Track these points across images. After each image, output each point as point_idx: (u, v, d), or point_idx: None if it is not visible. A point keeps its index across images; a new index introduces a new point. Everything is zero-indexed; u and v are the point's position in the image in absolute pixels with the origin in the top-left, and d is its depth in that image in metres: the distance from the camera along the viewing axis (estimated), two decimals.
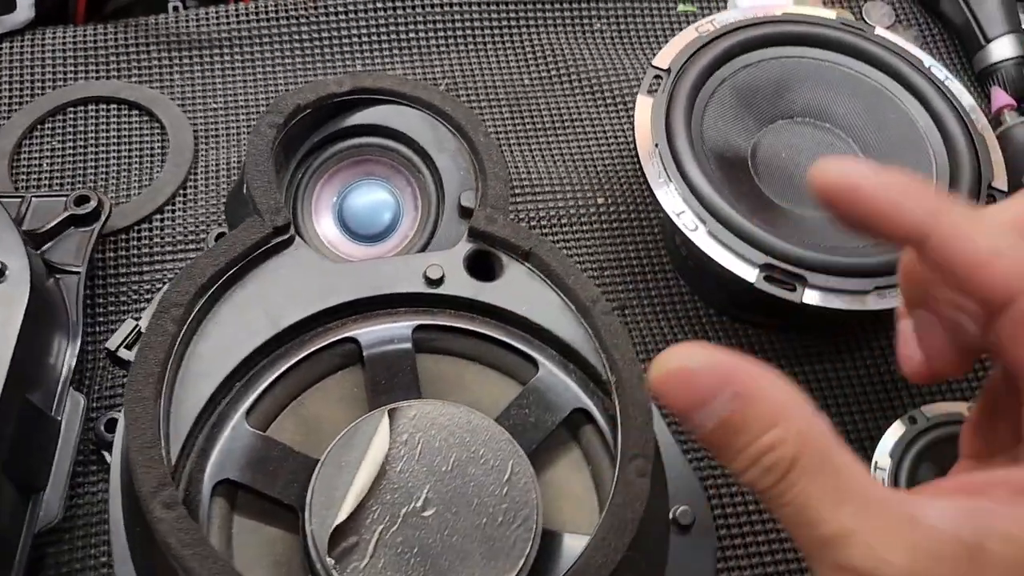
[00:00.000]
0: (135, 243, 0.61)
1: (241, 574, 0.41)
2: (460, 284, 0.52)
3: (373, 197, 0.59)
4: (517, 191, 0.67)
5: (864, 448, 0.59)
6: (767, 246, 0.52)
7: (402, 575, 0.43)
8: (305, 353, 0.50)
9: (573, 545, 0.47)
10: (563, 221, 0.65)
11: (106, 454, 0.53)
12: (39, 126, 0.65)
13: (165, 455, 0.44)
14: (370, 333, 0.51)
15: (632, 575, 0.45)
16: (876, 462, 0.52)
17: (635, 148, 0.58)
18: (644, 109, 0.59)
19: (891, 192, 0.31)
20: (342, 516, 0.43)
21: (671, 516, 0.48)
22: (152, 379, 0.45)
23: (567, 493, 0.50)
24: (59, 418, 0.50)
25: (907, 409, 0.56)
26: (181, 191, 0.63)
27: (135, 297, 0.59)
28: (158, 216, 0.62)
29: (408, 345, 0.51)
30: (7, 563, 0.47)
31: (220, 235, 0.58)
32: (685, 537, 0.47)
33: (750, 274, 0.51)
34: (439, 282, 0.52)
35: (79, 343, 0.52)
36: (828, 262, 0.52)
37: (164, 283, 0.59)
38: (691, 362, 0.28)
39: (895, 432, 0.53)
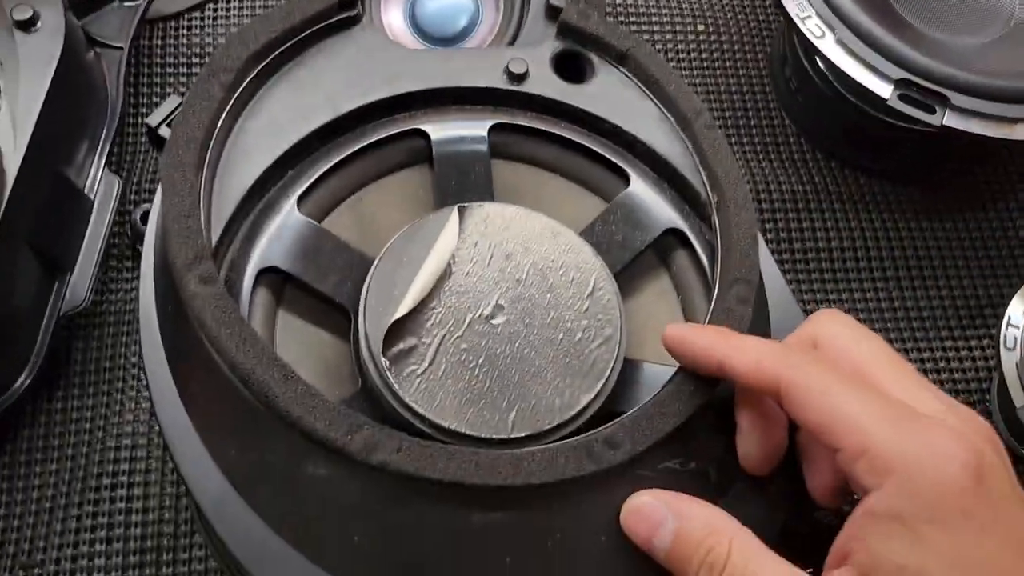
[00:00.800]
0: (184, 32, 0.55)
1: (283, 361, 0.36)
2: (545, 83, 0.46)
3: None
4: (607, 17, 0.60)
5: (983, 317, 0.53)
6: (904, 60, 0.45)
7: (465, 384, 0.38)
8: (367, 142, 0.44)
9: (658, 375, 0.41)
10: (658, 47, 0.58)
11: (141, 248, 0.48)
12: None
13: (205, 231, 0.39)
14: (441, 128, 0.45)
15: (722, 413, 0.39)
16: (1009, 318, 0.45)
17: None
18: None
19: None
20: (400, 312, 0.38)
21: None
22: (194, 144, 0.39)
23: (653, 323, 0.44)
24: (92, 197, 0.45)
25: None
26: None
27: (182, 91, 0.53)
28: (212, 4, 0.56)
29: (483, 146, 0.45)
30: (29, 343, 0.43)
31: None
32: None
33: (884, 90, 0.44)
34: (522, 78, 0.46)
35: (117, 123, 0.47)
36: (974, 82, 0.44)
37: None
38: (638, 500, 0.36)
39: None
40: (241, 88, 0.42)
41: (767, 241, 0.45)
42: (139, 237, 0.49)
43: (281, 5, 0.44)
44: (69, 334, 0.46)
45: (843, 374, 0.34)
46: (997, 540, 0.31)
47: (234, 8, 0.56)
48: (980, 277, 0.54)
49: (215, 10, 0.56)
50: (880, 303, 0.53)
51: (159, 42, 0.54)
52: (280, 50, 0.43)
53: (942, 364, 0.51)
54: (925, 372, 0.51)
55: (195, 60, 0.54)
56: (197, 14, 0.55)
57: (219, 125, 0.41)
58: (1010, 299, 0.46)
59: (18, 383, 0.42)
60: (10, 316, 0.41)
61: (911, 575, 0.31)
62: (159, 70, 0.54)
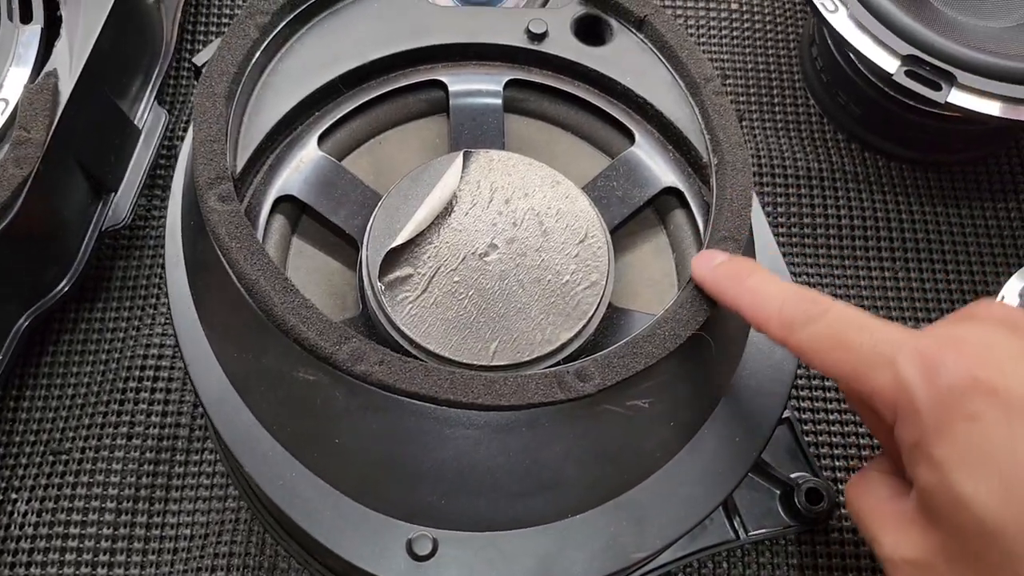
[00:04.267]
0: None
1: (285, 275, 0.39)
2: (563, 44, 0.48)
3: None
4: None
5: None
6: (913, 35, 0.45)
7: (453, 313, 0.40)
8: (389, 89, 0.47)
9: (643, 323, 0.43)
10: (690, 23, 0.60)
11: None
12: None
13: (231, 160, 0.42)
14: (459, 79, 0.47)
15: (697, 362, 0.41)
16: (1004, 296, 0.46)
17: None
18: None
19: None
20: (398, 242, 0.41)
21: None
22: (226, 78, 0.43)
23: (646, 277, 0.46)
24: (140, 126, 0.49)
25: None
26: None
27: None
28: None
29: (498, 100, 0.47)
30: (72, 252, 0.47)
31: None
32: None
33: (891, 64, 0.45)
34: (541, 38, 0.48)
35: (168, 63, 0.51)
36: (982, 61, 0.45)
37: None
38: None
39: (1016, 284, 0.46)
40: (276, 31, 0.46)
41: (780, 215, 0.47)
42: None
43: None
44: (112, 253, 0.50)
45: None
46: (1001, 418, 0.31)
47: None
48: (991, 264, 0.54)
49: None
50: (885, 282, 0.53)
51: None
52: None
53: None
54: None
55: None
56: None
57: (252, 63, 0.44)
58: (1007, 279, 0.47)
59: (60, 287, 0.47)
60: (57, 225, 0.45)
61: (946, 492, 0.31)
62: (213, 19, 0.57)
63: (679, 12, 0.60)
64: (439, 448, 0.38)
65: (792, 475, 0.46)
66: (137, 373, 0.48)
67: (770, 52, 0.59)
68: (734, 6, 0.60)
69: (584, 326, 0.41)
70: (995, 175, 0.56)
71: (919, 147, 0.55)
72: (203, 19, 0.57)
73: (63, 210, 0.45)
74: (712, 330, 0.41)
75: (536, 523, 0.39)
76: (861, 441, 0.49)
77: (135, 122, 0.49)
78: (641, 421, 0.40)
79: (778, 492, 0.46)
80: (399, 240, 0.41)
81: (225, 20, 0.57)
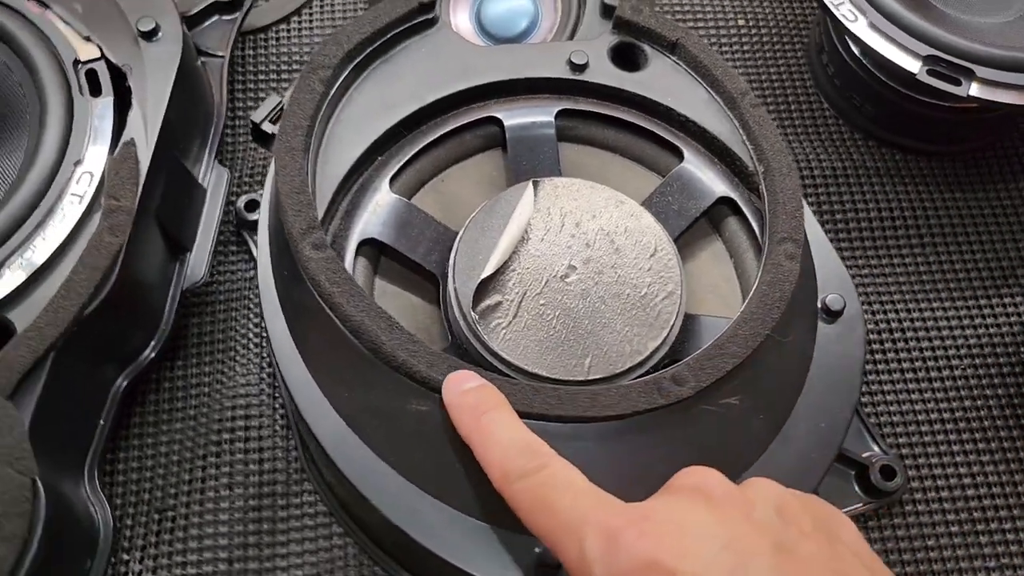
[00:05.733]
0: (274, 43, 0.61)
1: (387, 313, 0.41)
2: (604, 72, 0.51)
3: (510, 2, 0.58)
4: None
5: (1016, 277, 0.57)
6: (931, 37, 0.49)
7: (545, 334, 0.43)
8: (448, 129, 0.49)
9: (716, 327, 0.46)
10: None
11: (245, 234, 0.53)
12: None
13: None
14: (513, 114, 0.50)
15: (777, 357, 0.44)
16: None
17: None
18: None
19: None
20: (486, 273, 0.43)
21: (820, 304, 0.46)
22: (301, 131, 0.45)
23: (709, 284, 0.49)
24: (205, 186, 0.51)
25: None
26: None
27: (281, 91, 0.59)
28: (296, 18, 0.62)
29: (551, 130, 0.50)
30: (157, 315, 0.48)
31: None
32: (834, 325, 0.46)
33: (913, 66, 0.49)
34: (583, 68, 0.51)
35: (222, 122, 0.53)
36: (997, 55, 0.48)
37: None
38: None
39: None
40: (338, 83, 0.48)
41: (813, 214, 0.50)
42: (243, 223, 0.55)
43: (370, 10, 0.49)
44: (185, 311, 0.51)
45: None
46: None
47: (316, 20, 0.62)
48: (1012, 242, 0.57)
49: (299, 23, 0.62)
50: (919, 267, 0.56)
51: (251, 52, 0.60)
52: (370, 49, 0.49)
53: (978, 320, 0.55)
54: (961, 327, 0.55)
55: (283, 67, 0.60)
56: (284, 26, 0.61)
57: (320, 114, 0.47)
58: None
59: (147, 352, 0.48)
60: (146, 287, 0.46)
61: None
62: (252, 76, 0.59)
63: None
64: None
65: (863, 454, 0.49)
66: (228, 424, 0.49)
67: (780, 63, 0.62)
68: (740, 22, 0.64)
69: (668, 334, 0.44)
70: (1003, 159, 0.60)
71: (934, 139, 0.59)
72: (240, 78, 0.59)
73: (149, 272, 0.47)
74: (785, 328, 0.44)
75: None
76: (919, 417, 0.52)
77: (200, 182, 0.51)
78: (734, 417, 0.42)
79: (852, 472, 0.49)
80: (487, 271, 0.43)
81: (262, 76, 0.59)
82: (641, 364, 0.43)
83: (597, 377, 0.42)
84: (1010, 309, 0.55)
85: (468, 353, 0.44)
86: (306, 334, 0.43)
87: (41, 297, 0.41)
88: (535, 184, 0.46)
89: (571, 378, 0.42)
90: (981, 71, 0.48)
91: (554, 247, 0.45)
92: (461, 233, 0.45)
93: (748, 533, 0.31)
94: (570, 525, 0.32)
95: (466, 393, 0.38)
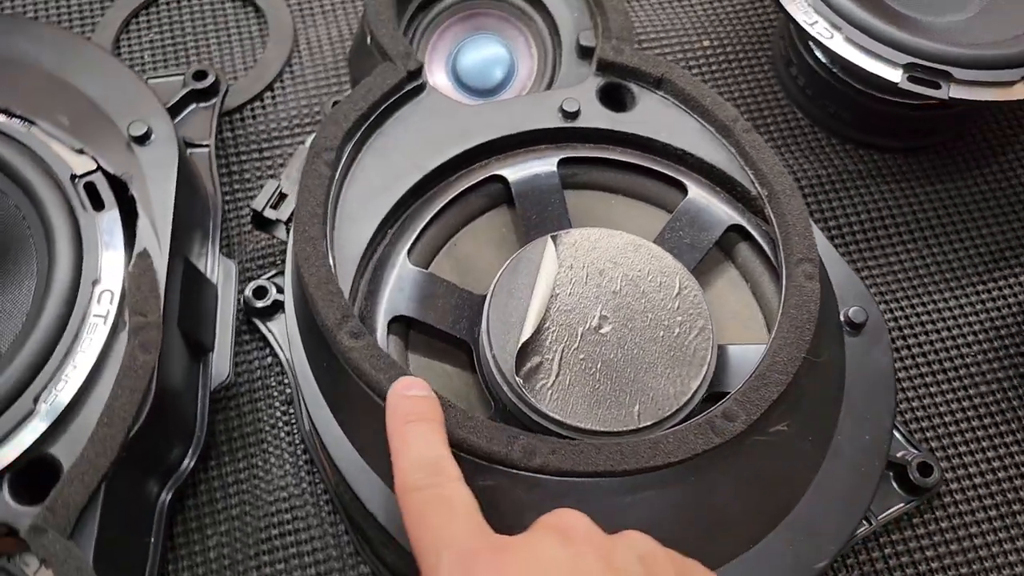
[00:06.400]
0: (251, 121, 0.60)
1: (439, 394, 0.41)
2: (597, 116, 0.52)
3: (485, 52, 0.58)
4: None
5: (1006, 259, 0.59)
6: (907, 45, 0.51)
7: (590, 388, 0.43)
8: (455, 193, 0.49)
9: (746, 355, 0.47)
10: None
11: (257, 321, 0.53)
12: (134, 19, 0.64)
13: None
14: (516, 170, 0.50)
15: (815, 378, 0.45)
16: None
17: None
18: None
19: None
20: (524, 336, 0.43)
21: (843, 318, 0.47)
22: (317, 219, 0.45)
23: (729, 310, 0.50)
24: (214, 281, 0.50)
25: None
26: (288, 68, 0.62)
27: (258, 174, 0.58)
28: (269, 94, 0.61)
29: (555, 180, 0.50)
30: (190, 423, 0.47)
31: (336, 103, 0.57)
32: (859, 337, 0.47)
33: (894, 75, 0.50)
34: (576, 115, 0.51)
35: (220, 213, 0.52)
36: (973, 56, 0.50)
37: (286, 159, 0.59)
38: None
39: None
40: (341, 163, 0.48)
41: (815, 220, 0.51)
42: (252, 311, 0.54)
43: (360, 86, 0.49)
44: (210, 409, 0.50)
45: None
46: None
47: (291, 92, 0.62)
48: (996, 225, 0.60)
49: (273, 97, 0.61)
50: (913, 261, 0.58)
51: (230, 134, 0.59)
52: (367, 124, 0.49)
53: (978, 307, 0.57)
54: (964, 315, 0.57)
55: (264, 145, 0.59)
56: (258, 103, 0.61)
57: (331, 198, 0.46)
58: None
59: (186, 462, 0.47)
60: (176, 399, 0.45)
61: None
62: (235, 158, 0.58)
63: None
64: (621, 516, 0.41)
65: (898, 454, 0.51)
66: (274, 519, 0.48)
67: (749, 79, 0.64)
68: (705, 43, 0.65)
69: (706, 370, 0.44)
70: (973, 148, 0.63)
71: (907, 136, 0.61)
72: (224, 172, 0.58)
73: (179, 382, 0.46)
74: (818, 347, 0.45)
75: (718, 564, 0.42)
76: (940, 409, 0.54)
77: (209, 278, 0.50)
78: (785, 443, 0.43)
79: (891, 474, 0.50)
80: (525, 334, 0.43)
81: (244, 157, 0.59)
82: (687, 403, 0.44)
83: (648, 424, 0.43)
84: (1006, 291, 0.58)
85: (515, 416, 0.44)
86: (356, 422, 0.42)
87: (82, 426, 0.40)
88: (554, 239, 0.46)
89: (624, 428, 0.42)
90: (958, 73, 0.50)
91: (583, 300, 0.45)
92: (489, 298, 0.45)
93: (599, 572, 0.32)
94: (435, 543, 0.33)
95: (406, 398, 0.39)
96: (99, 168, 0.46)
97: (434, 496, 0.35)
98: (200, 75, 0.55)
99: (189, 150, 0.53)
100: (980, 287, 0.58)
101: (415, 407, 0.39)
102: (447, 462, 0.37)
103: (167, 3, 0.65)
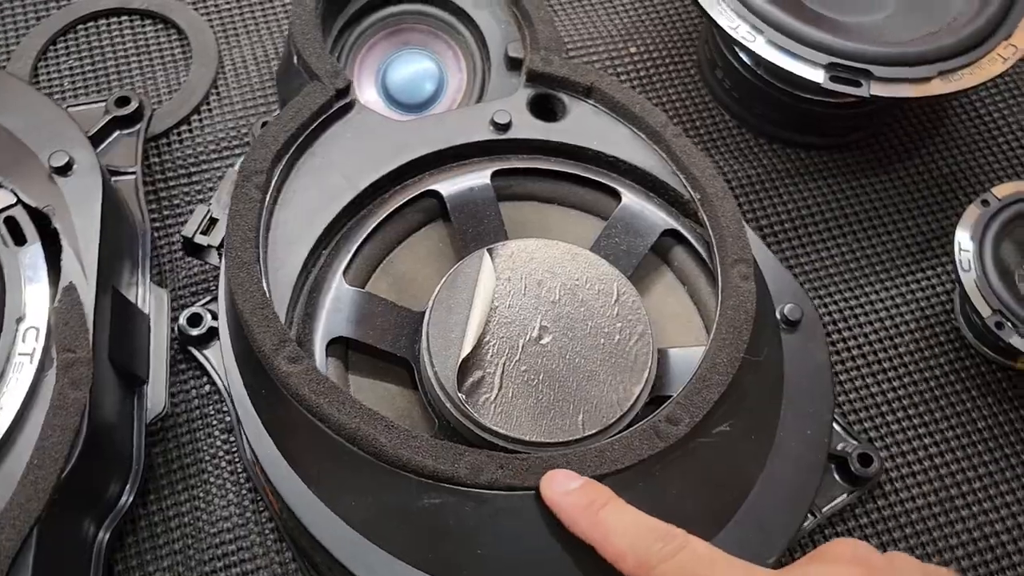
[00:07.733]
0: (178, 146, 0.59)
1: (380, 413, 0.40)
2: (528, 126, 0.52)
3: (413, 67, 0.58)
4: None
5: (932, 248, 0.60)
6: (828, 46, 0.52)
7: (533, 400, 0.43)
8: (389, 211, 0.49)
9: (686, 357, 0.47)
10: None
11: (193, 350, 0.52)
12: (51, 47, 0.63)
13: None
14: (450, 184, 0.50)
15: (755, 377, 0.45)
16: (960, 244, 0.52)
17: None
18: None
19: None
20: (464, 352, 0.43)
21: (779, 315, 0.48)
22: (250, 244, 0.44)
23: (667, 313, 0.50)
24: (146, 311, 0.49)
25: (977, 194, 0.58)
26: (214, 90, 0.61)
27: (188, 199, 0.57)
28: (195, 117, 0.60)
29: (490, 193, 0.50)
30: (127, 456, 0.46)
31: (265, 124, 0.56)
32: (796, 334, 0.48)
33: (817, 75, 0.51)
34: (507, 127, 0.51)
35: (149, 241, 0.51)
36: (891, 54, 0.52)
37: (215, 182, 0.58)
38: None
39: (970, 216, 0.53)
40: (271, 186, 0.47)
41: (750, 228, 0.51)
42: (187, 339, 0.53)
43: (288, 107, 0.49)
44: (150, 443, 0.49)
45: None
46: None
47: (217, 114, 0.60)
48: (921, 216, 0.61)
49: (200, 120, 0.60)
50: (844, 255, 0.60)
51: (156, 160, 0.58)
52: (296, 145, 0.48)
53: (908, 296, 0.58)
54: (895, 306, 0.59)
55: (193, 169, 0.58)
56: (185, 127, 0.60)
57: (262, 222, 0.46)
58: (953, 229, 0.54)
59: (124, 498, 0.45)
60: (111, 434, 0.44)
61: None
62: (163, 184, 0.57)
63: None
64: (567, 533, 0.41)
65: (838, 447, 0.51)
66: (219, 551, 0.47)
67: (676, 82, 0.64)
68: (632, 49, 0.65)
69: (648, 375, 0.45)
70: (892, 143, 0.64)
71: (830, 134, 0.62)
72: (152, 199, 0.57)
73: (112, 416, 0.44)
74: (754, 348, 0.46)
75: None
76: (877, 400, 0.55)
77: (140, 307, 0.48)
78: (730, 443, 0.44)
79: (833, 466, 0.51)
80: (465, 350, 0.43)
81: (172, 183, 0.57)
82: (631, 410, 0.44)
83: (593, 432, 0.43)
84: (934, 280, 0.59)
85: (459, 433, 0.44)
86: (299, 450, 0.42)
87: (11, 469, 0.38)
88: (491, 252, 0.46)
89: (570, 438, 0.42)
90: (878, 71, 0.51)
91: (522, 311, 0.45)
92: (428, 314, 0.45)
93: None
94: None
95: (573, 492, 0.39)
96: (19, 202, 0.44)
97: (688, 558, 0.35)
98: (123, 101, 0.54)
99: (115, 178, 0.52)
100: (909, 277, 0.59)
101: (589, 493, 0.39)
102: (664, 524, 0.37)
103: (86, 28, 0.63)
